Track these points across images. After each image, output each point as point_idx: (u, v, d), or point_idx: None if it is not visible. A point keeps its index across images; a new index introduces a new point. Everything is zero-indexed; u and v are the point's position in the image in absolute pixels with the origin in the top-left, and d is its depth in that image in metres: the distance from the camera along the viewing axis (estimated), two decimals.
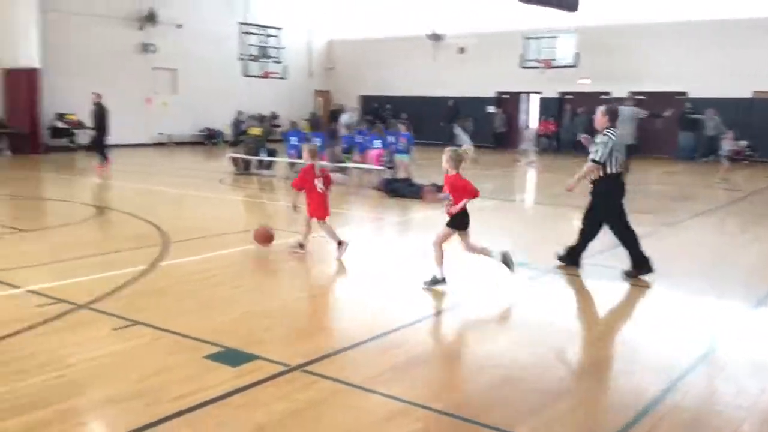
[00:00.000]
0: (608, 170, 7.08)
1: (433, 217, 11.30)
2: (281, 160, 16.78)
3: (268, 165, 16.90)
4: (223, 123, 27.36)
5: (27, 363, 4.48)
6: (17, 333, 5.03)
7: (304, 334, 5.39)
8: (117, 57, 24.13)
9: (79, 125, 22.75)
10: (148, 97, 25.44)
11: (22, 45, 20.65)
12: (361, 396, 4.20)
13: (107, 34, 23.73)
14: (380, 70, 30.48)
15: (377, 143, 15.31)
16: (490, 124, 27.47)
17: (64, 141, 22.82)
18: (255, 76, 25.38)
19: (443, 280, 6.66)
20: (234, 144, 24.85)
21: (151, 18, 24.72)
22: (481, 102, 27.92)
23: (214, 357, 4.67)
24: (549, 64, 25.10)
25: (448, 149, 6.77)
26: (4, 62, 21.06)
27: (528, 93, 28.44)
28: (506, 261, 6.92)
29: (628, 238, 7.23)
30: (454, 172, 6.66)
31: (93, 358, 4.61)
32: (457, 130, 20.50)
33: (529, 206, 14.45)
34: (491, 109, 28.01)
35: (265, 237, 8.23)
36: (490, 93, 28.25)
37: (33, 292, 6.14)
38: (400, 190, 13.24)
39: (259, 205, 13.11)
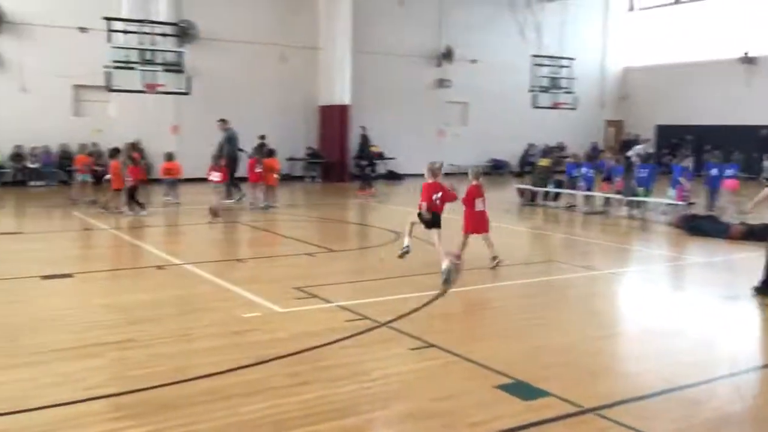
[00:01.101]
0: None
1: (745, 260, 10.15)
2: (568, 192, 16.45)
3: (555, 197, 16.70)
4: (508, 154, 27.76)
5: (339, 372, 4.95)
6: (331, 343, 5.59)
7: (599, 375, 5.16)
8: (414, 92, 25.92)
9: (380, 156, 24.80)
10: (441, 130, 26.83)
11: (338, 84, 23.24)
12: None
13: (407, 72, 25.63)
14: (680, 97, 28.40)
15: (683, 176, 14.22)
16: None
17: (366, 170, 25.07)
18: (544, 107, 25.34)
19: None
20: (520, 175, 25.05)
21: (448, 55, 26.16)
22: None
23: (506, 387, 4.70)
24: None
25: (429, 162, 8.62)
26: (321, 100, 23.89)
27: None
28: (446, 276, 7.58)
29: None
30: (431, 181, 8.33)
31: (394, 374, 4.94)
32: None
33: None
34: None
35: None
36: None
37: (342, 307, 6.78)
38: (702, 227, 12.13)
39: (543, 236, 12.98)
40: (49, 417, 4.11)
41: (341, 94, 23.28)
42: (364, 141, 19.37)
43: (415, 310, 6.70)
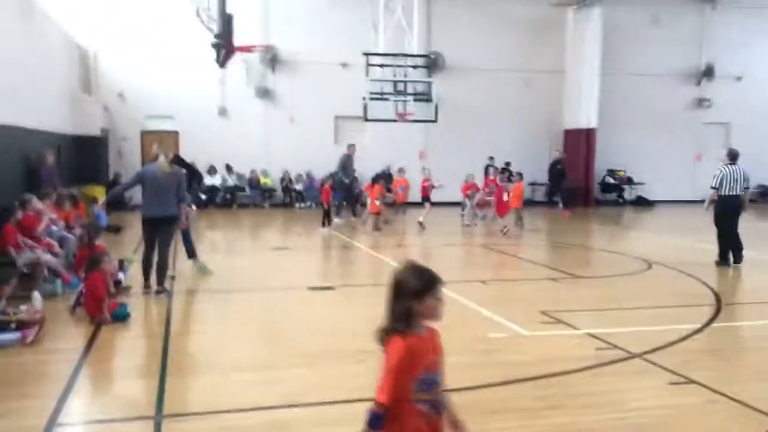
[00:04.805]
0: (721, 193, 10.87)
1: None
2: None
3: None
4: None
5: (591, 399, 4.85)
6: (580, 370, 5.49)
7: None
8: (667, 113, 24.35)
9: (628, 181, 23.71)
10: (698, 154, 24.88)
11: (584, 107, 22.68)
12: None
13: (659, 92, 24.17)
14: None
15: None
16: None
17: (612, 196, 24.08)
18: None
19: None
20: None
21: (708, 72, 24.27)
22: None
23: None
24: None
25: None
26: (566, 124, 23.48)
27: None
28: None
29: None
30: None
31: (652, 407, 4.71)
32: None
33: None
34: None
35: None
36: None
37: (590, 335, 6.61)
38: None
39: None
40: (325, 412, 4.57)
41: (587, 118, 22.69)
42: (561, 167, 19.96)
43: (672, 343, 6.31)
